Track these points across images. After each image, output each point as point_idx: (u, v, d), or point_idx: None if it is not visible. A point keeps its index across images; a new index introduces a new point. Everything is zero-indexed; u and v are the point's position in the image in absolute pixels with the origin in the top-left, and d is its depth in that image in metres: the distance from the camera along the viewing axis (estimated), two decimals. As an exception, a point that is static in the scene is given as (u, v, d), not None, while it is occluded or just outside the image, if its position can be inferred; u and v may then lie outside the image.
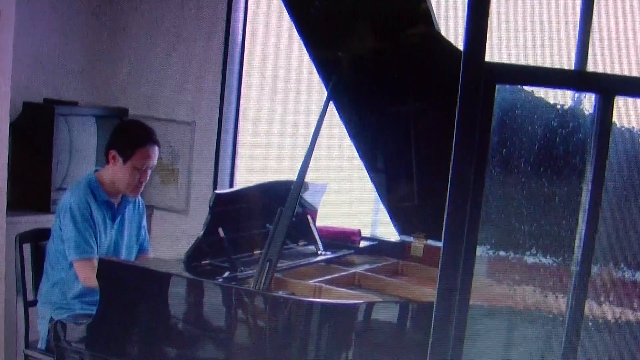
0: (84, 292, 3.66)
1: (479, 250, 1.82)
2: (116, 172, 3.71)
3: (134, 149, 3.68)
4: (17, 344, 4.38)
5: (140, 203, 4.00)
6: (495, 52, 1.81)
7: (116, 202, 3.80)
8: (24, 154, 5.03)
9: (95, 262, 3.58)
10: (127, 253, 3.88)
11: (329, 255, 3.82)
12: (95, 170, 3.84)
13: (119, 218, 3.81)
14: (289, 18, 3.39)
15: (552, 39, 3.56)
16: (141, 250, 4.01)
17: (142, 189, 3.79)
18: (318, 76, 3.57)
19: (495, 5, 1.74)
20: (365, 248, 4.08)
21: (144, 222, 4.04)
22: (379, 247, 4.11)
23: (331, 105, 3.53)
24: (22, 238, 3.97)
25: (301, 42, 3.46)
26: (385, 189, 4.03)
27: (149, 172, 3.76)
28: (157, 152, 3.75)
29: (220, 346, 3.04)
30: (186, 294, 3.16)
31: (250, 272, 3.23)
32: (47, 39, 5.48)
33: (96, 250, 3.65)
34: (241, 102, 5.58)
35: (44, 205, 5.01)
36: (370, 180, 4.01)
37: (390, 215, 4.10)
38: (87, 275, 3.58)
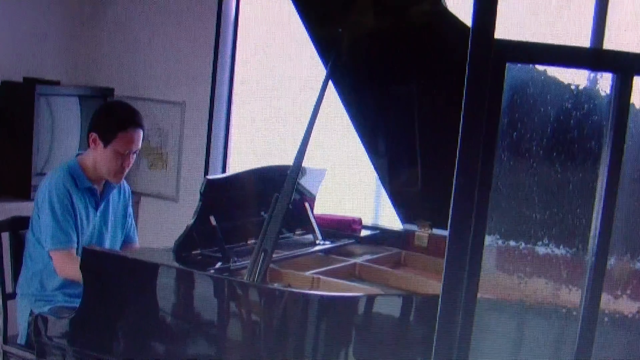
0: (66, 284, 3.66)
1: (488, 240, 1.82)
2: (97, 156, 3.69)
3: (116, 132, 3.66)
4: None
5: (126, 189, 3.99)
6: (506, 29, 1.80)
7: (99, 188, 3.79)
8: (2, 136, 5.03)
9: (74, 252, 3.59)
10: (111, 242, 3.87)
11: (327, 245, 3.82)
12: (78, 154, 3.82)
13: (102, 205, 3.80)
14: (286, -9, 3.38)
15: (566, 16, 3.56)
16: (127, 240, 4.00)
17: (125, 174, 3.78)
18: (316, 54, 3.56)
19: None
20: (366, 237, 4.08)
21: (130, 210, 4.04)
22: (381, 237, 4.11)
23: (331, 85, 3.52)
24: (0, 226, 3.97)
25: (299, 17, 3.44)
26: (388, 174, 4.02)
27: (133, 156, 3.74)
28: (141, 135, 3.73)
29: (212, 342, 3.04)
30: (175, 286, 3.16)
31: (243, 262, 3.22)
32: (26, 13, 5.46)
33: (75, 240, 3.64)
34: (234, 81, 5.58)
35: (23, 191, 5.01)
36: (372, 165, 4.00)
37: (393, 203, 4.10)
38: (64, 267, 3.59)
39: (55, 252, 3.61)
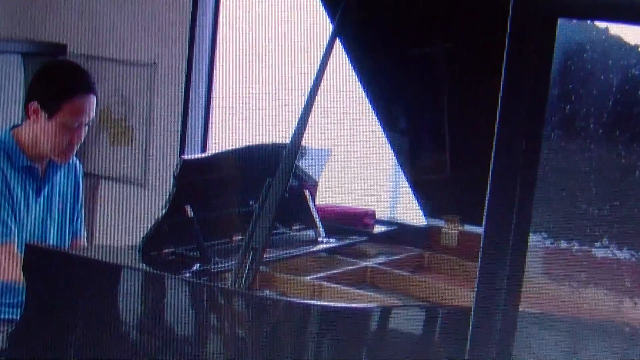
0: (4, 292, 3.66)
1: (532, 239, 1.83)
2: (39, 131, 3.68)
3: (61, 100, 3.64)
4: None
5: (77, 166, 3.97)
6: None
7: (41, 168, 3.78)
8: None
9: (15, 247, 3.59)
10: (57, 236, 3.86)
11: (332, 243, 3.83)
12: (14, 127, 3.81)
13: (45, 190, 3.79)
14: None
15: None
16: (72, 234, 3.99)
17: (74, 152, 3.77)
18: (321, 4, 3.56)
19: None
20: (380, 234, 4.09)
21: (81, 194, 4.02)
22: (399, 234, 4.11)
23: (340, 45, 3.52)
24: None
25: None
26: (409, 158, 4.03)
27: (84, 129, 3.73)
28: (94, 103, 3.72)
29: (187, 362, 3.06)
30: (142, 293, 3.18)
31: (227, 264, 3.24)
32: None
33: (15, 232, 3.64)
34: (217, 38, 5.57)
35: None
36: (389, 146, 4.01)
37: (414, 192, 4.11)
38: (4, 266, 3.59)
39: (-8, 248, 3.62)
